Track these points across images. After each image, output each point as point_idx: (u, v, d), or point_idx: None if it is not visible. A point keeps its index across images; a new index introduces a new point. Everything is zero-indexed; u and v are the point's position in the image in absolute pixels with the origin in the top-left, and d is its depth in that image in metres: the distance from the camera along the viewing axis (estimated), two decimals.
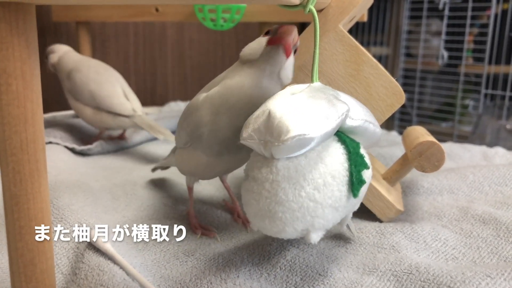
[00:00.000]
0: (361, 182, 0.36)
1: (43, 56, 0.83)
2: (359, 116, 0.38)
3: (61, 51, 0.83)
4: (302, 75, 0.49)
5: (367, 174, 0.37)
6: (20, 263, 0.31)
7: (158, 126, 0.75)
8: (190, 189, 0.51)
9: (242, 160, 0.46)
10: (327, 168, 0.34)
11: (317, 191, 0.34)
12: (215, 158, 0.45)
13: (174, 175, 0.66)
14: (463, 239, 0.46)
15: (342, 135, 0.37)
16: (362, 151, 0.38)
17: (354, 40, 0.48)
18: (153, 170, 0.63)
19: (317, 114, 0.33)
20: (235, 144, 0.42)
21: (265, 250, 0.43)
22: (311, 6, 0.39)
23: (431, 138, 0.49)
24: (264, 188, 0.34)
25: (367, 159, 0.38)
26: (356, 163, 0.36)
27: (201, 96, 0.44)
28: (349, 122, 0.37)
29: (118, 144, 0.84)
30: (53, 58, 0.83)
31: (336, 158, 0.35)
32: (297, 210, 0.33)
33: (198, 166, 0.47)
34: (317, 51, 0.40)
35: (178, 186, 0.63)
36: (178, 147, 0.49)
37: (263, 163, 0.34)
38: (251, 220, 0.36)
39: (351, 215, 0.41)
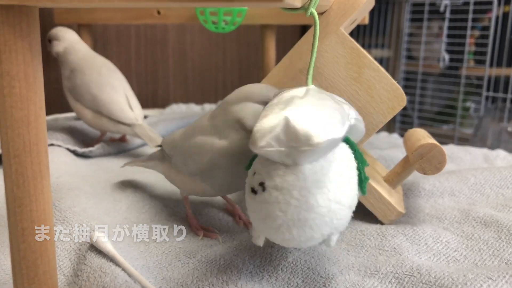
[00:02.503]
0: (366, 178, 0.36)
1: (45, 40, 0.79)
2: (353, 116, 0.38)
3: (66, 41, 0.79)
4: (304, 78, 0.49)
5: (367, 171, 0.38)
6: (23, 265, 0.31)
7: (158, 138, 0.74)
8: (185, 198, 0.52)
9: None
10: (345, 168, 0.35)
11: (341, 193, 0.33)
12: (222, 192, 0.48)
13: None
14: (465, 242, 0.46)
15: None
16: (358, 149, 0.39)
17: (355, 42, 0.48)
18: (123, 166, 0.62)
19: (334, 114, 0.34)
20: (243, 184, 0.42)
21: (267, 252, 0.44)
22: (313, 9, 0.39)
23: (432, 140, 0.49)
24: (292, 197, 0.32)
25: (364, 156, 0.39)
26: (360, 161, 0.37)
27: (216, 140, 0.44)
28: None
29: (120, 146, 0.84)
30: (57, 47, 0.78)
31: (348, 158, 0.36)
32: (326, 215, 0.33)
33: (202, 193, 0.49)
34: (315, 54, 0.40)
35: None
36: (180, 171, 0.49)
37: (286, 171, 0.33)
38: (271, 234, 0.34)
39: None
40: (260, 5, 0.25)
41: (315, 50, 0.40)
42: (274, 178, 0.33)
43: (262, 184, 0.33)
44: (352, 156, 0.36)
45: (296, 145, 0.31)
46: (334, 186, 0.33)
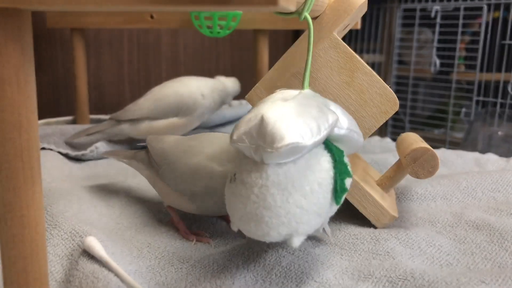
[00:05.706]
0: (344, 190, 0.37)
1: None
2: (345, 126, 0.39)
3: None
4: (297, 82, 0.49)
5: (349, 182, 0.38)
6: (13, 272, 0.31)
7: None
8: (169, 206, 0.52)
9: None
10: (315, 176, 0.35)
11: (303, 198, 0.34)
12: (206, 213, 0.49)
13: None
14: (457, 245, 0.46)
15: (329, 143, 0.38)
16: (346, 159, 0.39)
17: (348, 47, 0.48)
18: (103, 154, 0.62)
19: (309, 123, 0.34)
20: None
21: (260, 257, 0.43)
22: (306, 14, 0.39)
23: (425, 144, 0.49)
24: (252, 192, 0.34)
25: (349, 168, 0.39)
26: (340, 172, 0.37)
27: (216, 167, 0.45)
28: (336, 131, 0.38)
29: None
30: None
31: (323, 166, 0.36)
32: (283, 216, 0.34)
33: (185, 209, 0.49)
34: (310, 58, 0.40)
35: None
36: (167, 185, 0.49)
37: (253, 168, 0.34)
38: (236, 222, 0.36)
39: (328, 219, 0.42)
40: (255, 8, 0.25)
41: (310, 54, 0.40)
42: (242, 172, 0.35)
43: (234, 175, 0.36)
44: (330, 165, 0.36)
45: (262, 145, 0.33)
46: (298, 191, 0.34)
